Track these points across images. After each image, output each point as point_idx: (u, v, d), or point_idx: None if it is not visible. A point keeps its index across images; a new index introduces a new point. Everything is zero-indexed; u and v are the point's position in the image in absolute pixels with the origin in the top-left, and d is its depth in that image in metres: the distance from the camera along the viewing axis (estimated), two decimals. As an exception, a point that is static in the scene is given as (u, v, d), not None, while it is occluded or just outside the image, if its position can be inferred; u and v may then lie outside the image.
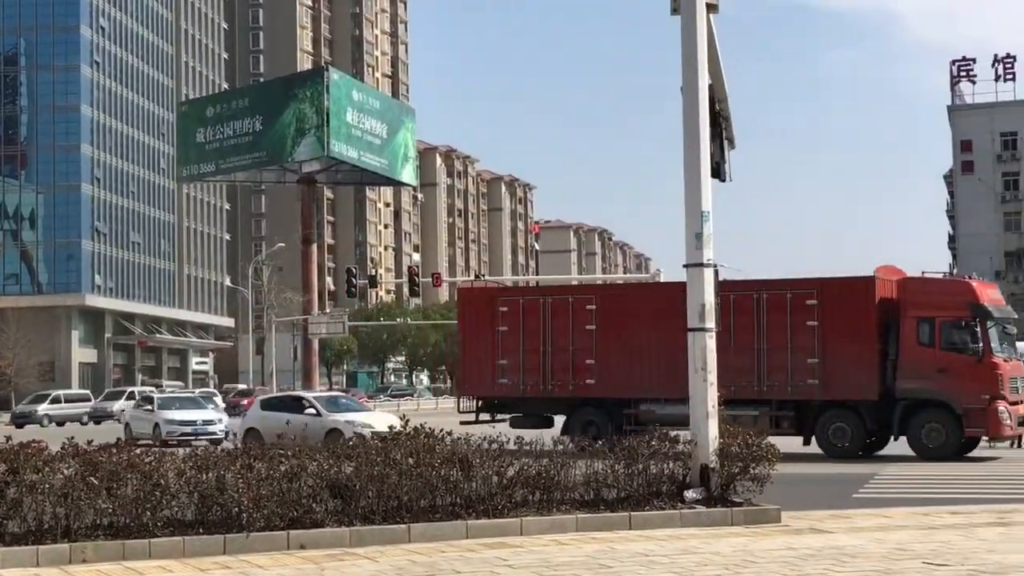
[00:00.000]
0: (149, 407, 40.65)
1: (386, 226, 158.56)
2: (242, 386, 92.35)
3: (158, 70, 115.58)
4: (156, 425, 38.64)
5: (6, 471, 12.59)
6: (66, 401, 66.83)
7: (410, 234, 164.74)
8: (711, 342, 15.72)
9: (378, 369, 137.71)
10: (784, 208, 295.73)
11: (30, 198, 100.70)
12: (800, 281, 28.17)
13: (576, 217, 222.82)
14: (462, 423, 28.75)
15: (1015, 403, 26.62)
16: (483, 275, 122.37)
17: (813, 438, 27.84)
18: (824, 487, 20.59)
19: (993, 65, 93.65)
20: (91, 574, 11.66)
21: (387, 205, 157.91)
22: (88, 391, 75.97)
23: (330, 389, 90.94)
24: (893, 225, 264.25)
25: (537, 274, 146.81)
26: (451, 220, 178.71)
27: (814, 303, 27.40)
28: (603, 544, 13.14)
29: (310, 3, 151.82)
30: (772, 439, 27.28)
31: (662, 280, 52.21)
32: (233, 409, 60.98)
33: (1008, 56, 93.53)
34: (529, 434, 16.05)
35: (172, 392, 65.83)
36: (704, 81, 15.99)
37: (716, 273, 16.15)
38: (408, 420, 15.58)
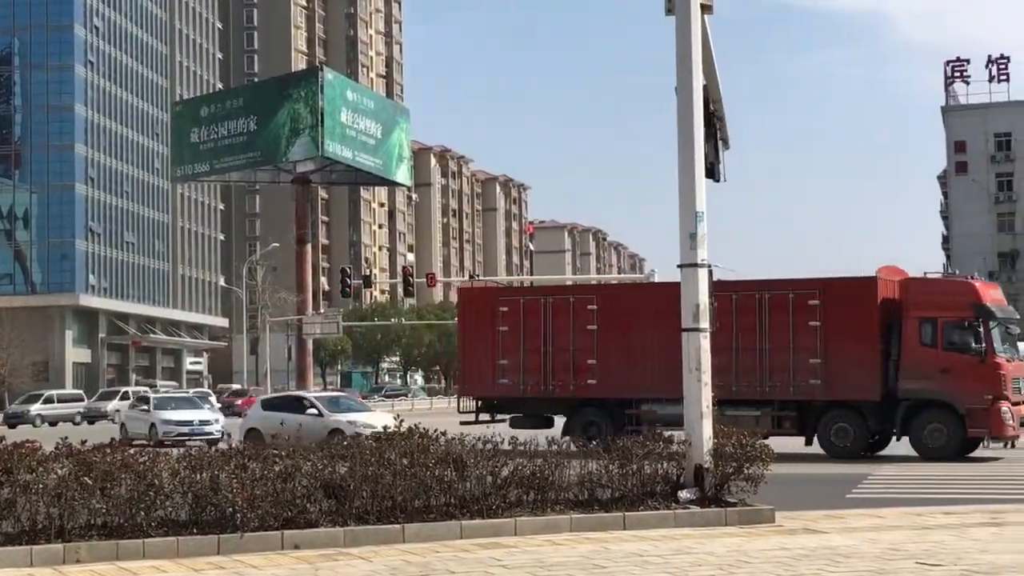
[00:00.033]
0: (145, 407, 40.54)
1: (380, 226, 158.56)
2: (236, 386, 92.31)
3: (152, 70, 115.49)
4: (152, 425, 38.51)
5: (0, 471, 12.57)
6: (59, 401, 66.73)
7: (404, 234, 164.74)
8: (705, 342, 15.73)
9: (372, 369, 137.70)
10: (777, 209, 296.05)
11: (24, 198, 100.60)
12: (802, 281, 28.16)
13: (570, 217, 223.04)
14: (462, 423, 28.72)
15: (1017, 403, 26.61)
16: (478, 275, 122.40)
17: (815, 438, 27.80)
18: (818, 487, 20.60)
19: (987, 66, 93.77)
20: (85, 574, 11.65)
21: (381, 205, 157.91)
22: (81, 391, 75.90)
23: (324, 389, 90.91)
24: (887, 226, 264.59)
25: (531, 274, 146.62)
26: (445, 220, 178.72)
27: (816, 303, 27.37)
28: (597, 544, 13.14)
29: (304, 3, 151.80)
30: (768, 440, 27.64)
31: (656, 280, 52.26)
32: (227, 409, 60.95)
33: (1002, 57, 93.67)
34: (523, 434, 16.06)
35: (168, 392, 65.78)
36: (698, 82, 16.01)
37: (710, 273, 16.16)
38: (403, 420, 15.59)
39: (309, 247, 66.03)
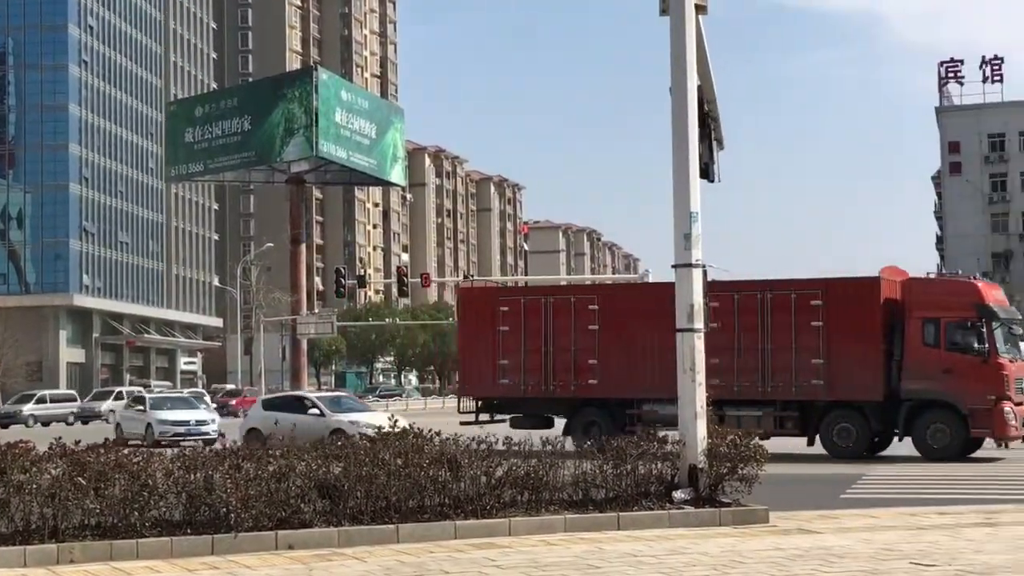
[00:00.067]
0: (141, 407, 40.41)
1: (375, 226, 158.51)
2: (230, 386, 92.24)
3: (147, 70, 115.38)
4: (148, 425, 38.41)
5: (-7, 471, 12.56)
6: (51, 401, 66.60)
7: (399, 234, 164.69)
8: (700, 343, 15.75)
9: (367, 369, 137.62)
10: (771, 209, 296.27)
11: (18, 198, 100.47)
12: (805, 281, 28.16)
13: (565, 218, 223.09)
14: (462, 423, 28.66)
15: (1020, 404, 26.59)
16: (472, 275, 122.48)
17: (817, 439, 27.78)
18: (812, 487, 20.62)
19: (981, 67, 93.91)
20: (79, 574, 11.64)
21: (376, 205, 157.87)
22: (74, 391, 75.78)
23: (319, 389, 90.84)
24: (881, 226, 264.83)
25: (526, 274, 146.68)
26: (440, 220, 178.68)
27: (819, 303, 27.36)
28: (591, 544, 13.14)
29: (299, 3, 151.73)
30: (769, 439, 27.67)
31: (651, 280, 52.25)
32: (222, 409, 60.90)
33: (996, 58, 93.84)
34: (518, 434, 16.06)
35: (164, 392, 65.72)
36: (693, 82, 16.02)
37: (705, 274, 16.17)
38: (397, 420, 15.58)
39: (303, 247, 65.95)
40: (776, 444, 27.92)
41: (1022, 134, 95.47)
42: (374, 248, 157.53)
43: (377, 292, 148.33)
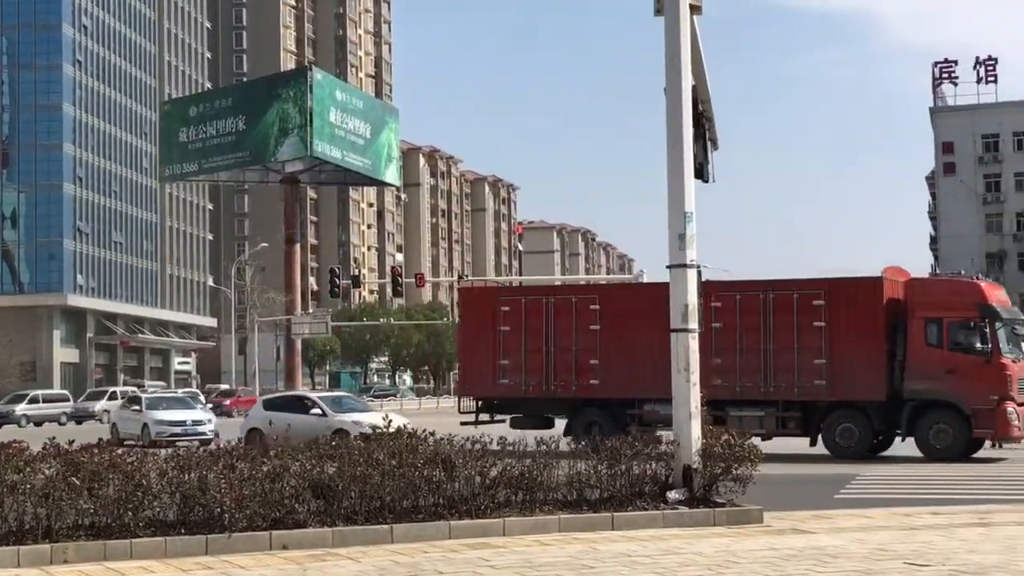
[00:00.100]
0: (137, 407, 40.24)
1: (369, 226, 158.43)
2: (224, 386, 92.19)
3: (141, 69, 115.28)
4: (145, 426, 38.28)
5: (-13, 471, 12.54)
6: (44, 401, 66.50)
7: (393, 234, 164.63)
8: (694, 343, 15.77)
9: (361, 369, 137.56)
10: (765, 209, 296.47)
11: (11, 197, 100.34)
12: (807, 281, 28.10)
13: (559, 218, 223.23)
14: (462, 423, 28.60)
15: (1023, 404, 26.62)
16: (466, 275, 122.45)
17: (819, 439, 27.75)
18: (806, 487, 20.63)
19: (975, 67, 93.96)
20: (72, 574, 11.62)
21: (370, 205, 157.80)
22: (67, 391, 75.72)
23: (313, 389, 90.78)
24: (875, 226, 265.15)
25: (520, 275, 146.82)
26: (434, 220, 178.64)
27: (821, 303, 27.34)
28: (586, 544, 13.14)
29: (293, 3, 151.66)
30: (771, 439, 27.71)
31: (646, 280, 52.29)
32: (216, 409, 60.85)
33: (990, 58, 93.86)
34: (512, 434, 16.06)
35: (160, 392, 65.60)
36: (687, 82, 16.02)
37: (699, 274, 16.18)
38: (391, 420, 15.58)
39: (298, 247, 65.82)
40: (774, 444, 28.03)
41: (1016, 135, 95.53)
42: (368, 248, 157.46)
43: (371, 292, 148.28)
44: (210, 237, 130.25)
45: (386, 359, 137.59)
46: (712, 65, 17.39)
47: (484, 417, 31.07)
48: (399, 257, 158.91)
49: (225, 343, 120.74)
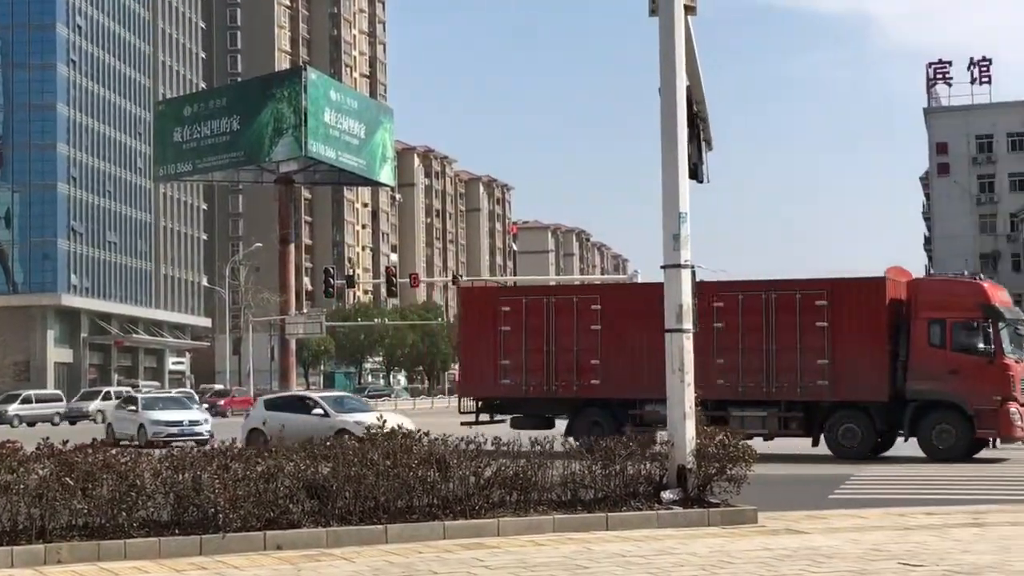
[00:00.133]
0: (133, 407, 40.12)
1: (364, 226, 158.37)
2: (219, 386, 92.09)
3: (135, 69, 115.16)
4: (141, 426, 38.16)
5: (-20, 471, 12.52)
6: (37, 401, 66.33)
7: (388, 234, 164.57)
8: (688, 343, 15.78)
9: (355, 370, 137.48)
10: (759, 210, 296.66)
11: (5, 197, 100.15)
12: (810, 282, 28.06)
13: (554, 218, 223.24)
14: (463, 424, 28.53)
15: None
16: (461, 275, 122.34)
17: (822, 439, 27.71)
18: (800, 488, 20.65)
19: (969, 68, 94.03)
20: (66, 575, 11.61)
21: (365, 205, 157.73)
22: (60, 391, 75.57)
23: (307, 389, 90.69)
24: (869, 227, 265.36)
25: (515, 275, 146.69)
26: (429, 220, 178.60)
27: (824, 304, 27.32)
28: (580, 545, 13.14)
29: (288, 3, 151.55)
30: (767, 440, 27.72)
31: (640, 281, 52.27)
32: (210, 409, 60.77)
33: (984, 59, 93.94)
34: (507, 434, 16.06)
35: (156, 392, 65.50)
36: (682, 82, 16.02)
37: (693, 274, 16.18)
38: (385, 420, 15.57)
39: (292, 247, 65.84)
40: (773, 444, 28.08)
41: (1010, 135, 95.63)
42: (363, 248, 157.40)
43: (366, 292, 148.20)
44: (204, 237, 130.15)
45: (380, 359, 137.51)
46: (708, 65, 17.42)
47: (484, 417, 30.97)
48: (393, 257, 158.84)
49: (219, 343, 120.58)
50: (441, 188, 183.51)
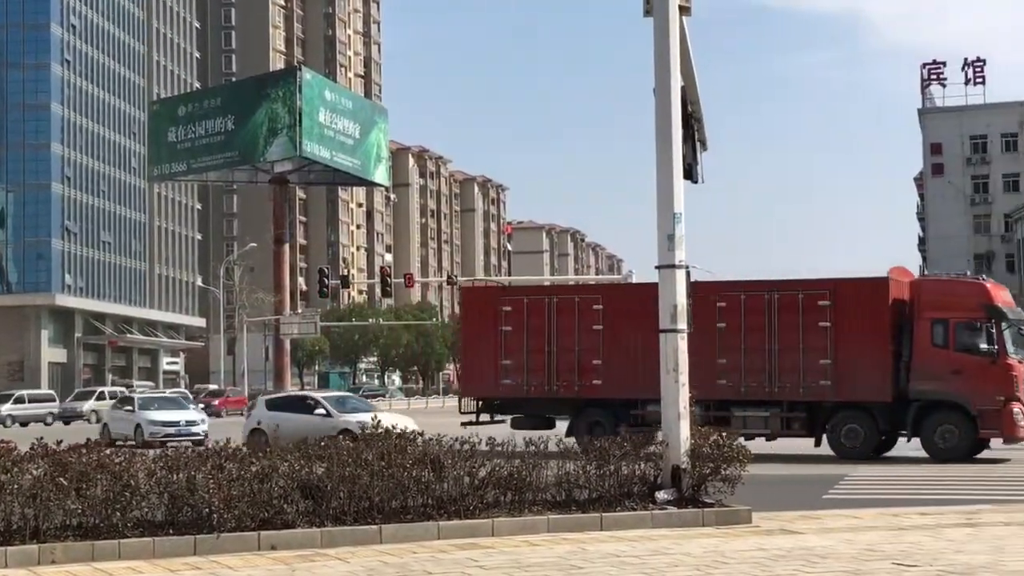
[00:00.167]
0: (130, 407, 40.03)
1: (358, 226, 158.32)
2: (213, 386, 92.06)
3: (129, 69, 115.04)
4: (138, 426, 38.08)
5: (-26, 472, 12.50)
6: (30, 401, 66.25)
7: (382, 234, 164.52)
8: (683, 343, 15.76)
9: (350, 370, 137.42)
10: (753, 210, 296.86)
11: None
12: (813, 282, 28.01)
13: (548, 218, 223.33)
14: (463, 424, 28.45)
15: None
16: (456, 275, 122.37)
17: (824, 439, 27.68)
18: (795, 488, 20.66)
19: (963, 68, 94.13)
20: (60, 575, 11.60)
21: (359, 205, 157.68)
22: (53, 391, 75.50)
23: (302, 389, 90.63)
24: (864, 227, 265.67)
25: (509, 275, 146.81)
26: (423, 221, 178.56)
27: (827, 304, 27.25)
28: (574, 545, 13.15)
29: (283, 3, 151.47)
30: (769, 440, 27.71)
31: (634, 281, 52.30)
32: (204, 409, 60.71)
33: (978, 60, 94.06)
34: (501, 435, 16.06)
35: (152, 392, 65.39)
36: (676, 83, 16.02)
37: (688, 275, 16.19)
38: (379, 420, 15.56)
39: (287, 247, 65.72)
40: (770, 443, 28.07)
41: (1004, 136, 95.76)
42: (357, 248, 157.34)
43: (360, 292, 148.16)
44: (199, 237, 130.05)
45: (375, 359, 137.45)
46: (702, 66, 17.44)
47: (485, 417, 30.90)
48: (388, 257, 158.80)
49: (214, 343, 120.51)
50: (436, 188, 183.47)
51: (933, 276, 28.84)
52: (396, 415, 30.76)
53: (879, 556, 12.32)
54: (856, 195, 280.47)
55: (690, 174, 16.87)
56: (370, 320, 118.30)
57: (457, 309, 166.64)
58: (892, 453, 28.14)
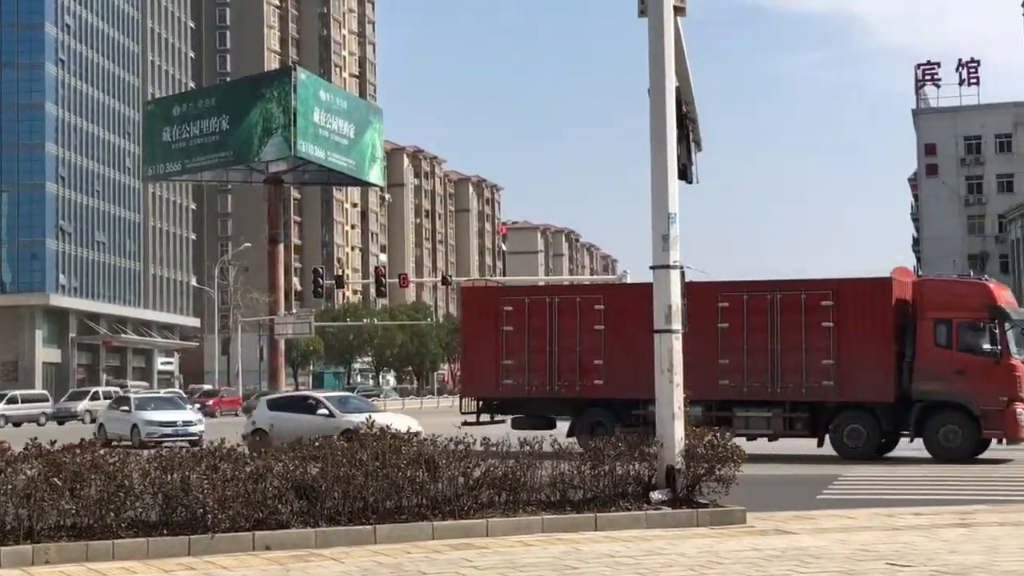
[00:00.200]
0: (126, 407, 39.91)
1: (353, 226, 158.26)
2: (207, 386, 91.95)
3: (124, 69, 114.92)
4: (134, 426, 37.96)
5: (-32, 472, 12.48)
6: (23, 401, 66.08)
7: (377, 235, 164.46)
8: (677, 343, 15.77)
9: (344, 370, 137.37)
10: (748, 210, 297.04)
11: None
12: (815, 282, 28.00)
13: (543, 218, 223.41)
14: (464, 424, 28.39)
15: None
16: (450, 276, 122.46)
17: (827, 439, 27.68)
18: (789, 488, 20.66)
19: (957, 69, 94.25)
20: (54, 575, 11.58)
21: (354, 205, 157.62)
22: (46, 391, 75.36)
23: (296, 389, 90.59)
24: (858, 227, 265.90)
25: (504, 275, 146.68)
26: (418, 221, 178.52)
27: (829, 304, 27.20)
28: (569, 545, 13.14)
29: (277, 3, 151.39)
30: (771, 440, 27.71)
31: (630, 281, 52.33)
32: (201, 409, 60.65)
33: (972, 60, 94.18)
34: (496, 435, 16.05)
35: (148, 392, 65.27)
36: (671, 83, 16.02)
37: (683, 275, 16.19)
38: (374, 421, 15.55)
39: (281, 247, 65.84)
40: (766, 443, 28.07)
41: (998, 136, 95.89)
42: (352, 248, 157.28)
43: (355, 292, 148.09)
44: (193, 237, 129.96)
45: (369, 359, 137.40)
46: (697, 66, 17.42)
47: (485, 418, 30.83)
48: (383, 257, 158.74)
49: (208, 343, 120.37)
50: (430, 188, 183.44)
51: (936, 276, 28.62)
52: (399, 415, 30.67)
53: (873, 556, 12.32)
54: (851, 196, 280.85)
55: (685, 174, 16.86)
56: (365, 320, 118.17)
57: (452, 309, 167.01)
58: (891, 453, 28.14)
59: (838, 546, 13.08)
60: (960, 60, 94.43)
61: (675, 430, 15.41)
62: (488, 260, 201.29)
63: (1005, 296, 27.80)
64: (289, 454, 13.92)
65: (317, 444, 14.42)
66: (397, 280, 79.19)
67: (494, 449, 14.95)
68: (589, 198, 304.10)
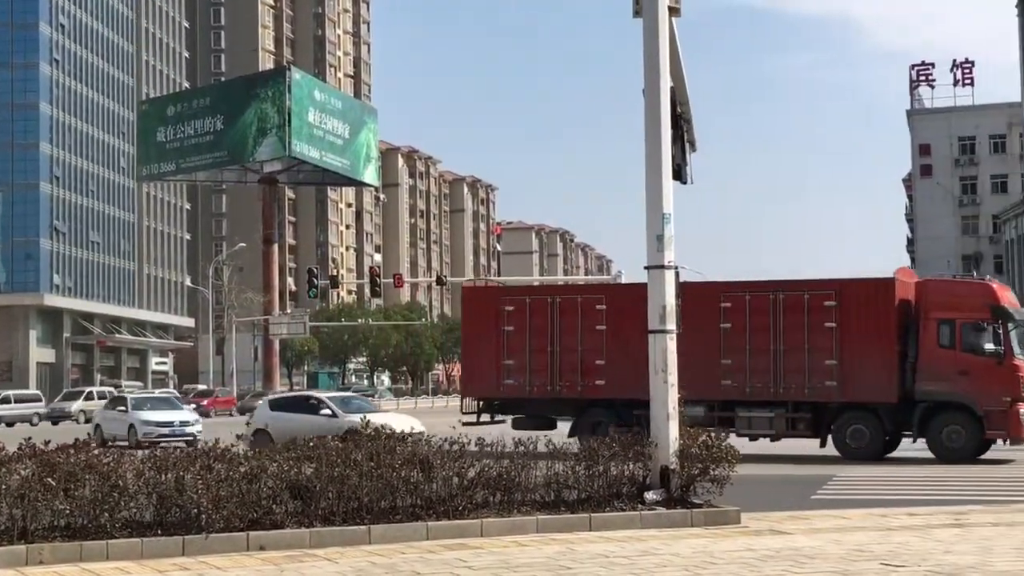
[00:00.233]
0: (123, 408, 39.82)
1: (348, 226, 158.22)
2: (202, 386, 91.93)
3: (118, 68, 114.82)
4: (131, 426, 37.88)
5: (-38, 472, 12.46)
6: (16, 401, 66.00)
7: (372, 235, 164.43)
8: (672, 344, 15.76)
9: (339, 370, 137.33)
10: (743, 211, 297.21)
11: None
12: (818, 282, 27.97)
13: (538, 218, 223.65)
14: (464, 424, 28.33)
15: None
16: (445, 276, 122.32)
17: (829, 440, 27.65)
18: (783, 488, 20.67)
19: (952, 70, 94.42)
20: (48, 575, 11.57)
21: (349, 205, 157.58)
22: (39, 391, 75.31)
23: (291, 389, 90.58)
24: (851, 227, 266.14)
25: (499, 275, 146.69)
26: (413, 221, 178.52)
27: (832, 304, 27.15)
28: (563, 545, 13.15)
29: (272, 2, 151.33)
30: (774, 441, 27.70)
31: (624, 281, 52.35)
32: (196, 409, 60.61)
33: (967, 61, 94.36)
34: (491, 435, 16.05)
35: (145, 392, 65.15)
36: (666, 84, 16.03)
37: (677, 275, 16.19)
38: (369, 421, 15.55)
39: (276, 247, 65.83)
40: (764, 443, 28.09)
41: (992, 137, 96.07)
42: (347, 248, 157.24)
43: (350, 292, 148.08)
44: (187, 237, 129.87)
45: (364, 359, 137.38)
46: (692, 67, 17.44)
47: (485, 418, 30.74)
48: (377, 257, 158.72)
49: (203, 343, 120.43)
50: (425, 188, 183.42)
51: (939, 277, 28.58)
52: (400, 416, 30.58)
53: (867, 556, 12.33)
54: (845, 196, 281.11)
55: (679, 175, 16.87)
56: (359, 320, 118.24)
57: (446, 309, 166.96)
58: (890, 454, 28.16)
59: (832, 546, 13.09)
60: (954, 61, 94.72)
61: (669, 430, 15.41)
62: (483, 260, 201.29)
63: (1008, 297, 27.79)
64: (283, 454, 13.91)
65: (312, 444, 14.42)
66: (392, 280, 79.14)
67: (489, 449, 14.96)
68: (584, 199, 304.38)
